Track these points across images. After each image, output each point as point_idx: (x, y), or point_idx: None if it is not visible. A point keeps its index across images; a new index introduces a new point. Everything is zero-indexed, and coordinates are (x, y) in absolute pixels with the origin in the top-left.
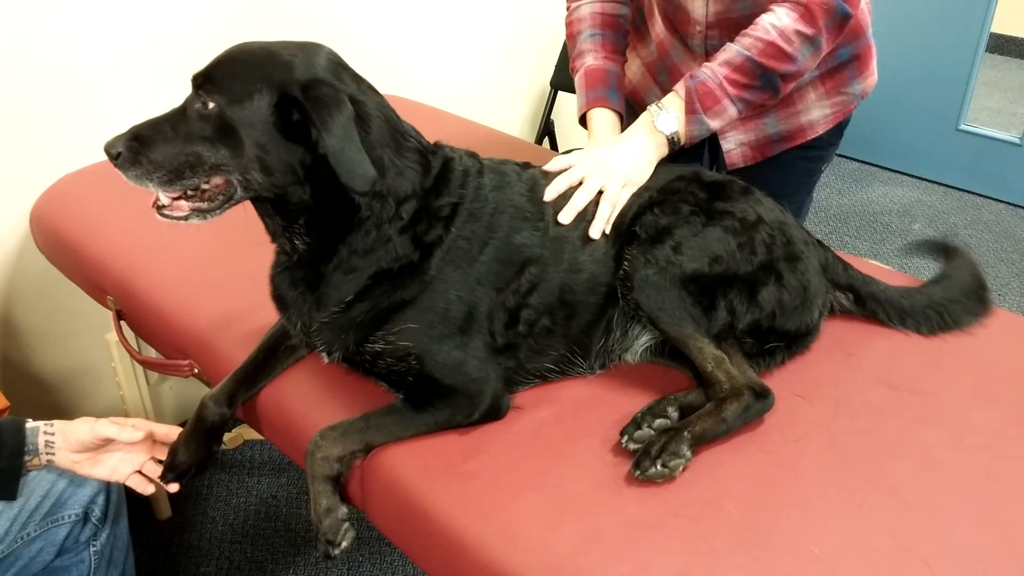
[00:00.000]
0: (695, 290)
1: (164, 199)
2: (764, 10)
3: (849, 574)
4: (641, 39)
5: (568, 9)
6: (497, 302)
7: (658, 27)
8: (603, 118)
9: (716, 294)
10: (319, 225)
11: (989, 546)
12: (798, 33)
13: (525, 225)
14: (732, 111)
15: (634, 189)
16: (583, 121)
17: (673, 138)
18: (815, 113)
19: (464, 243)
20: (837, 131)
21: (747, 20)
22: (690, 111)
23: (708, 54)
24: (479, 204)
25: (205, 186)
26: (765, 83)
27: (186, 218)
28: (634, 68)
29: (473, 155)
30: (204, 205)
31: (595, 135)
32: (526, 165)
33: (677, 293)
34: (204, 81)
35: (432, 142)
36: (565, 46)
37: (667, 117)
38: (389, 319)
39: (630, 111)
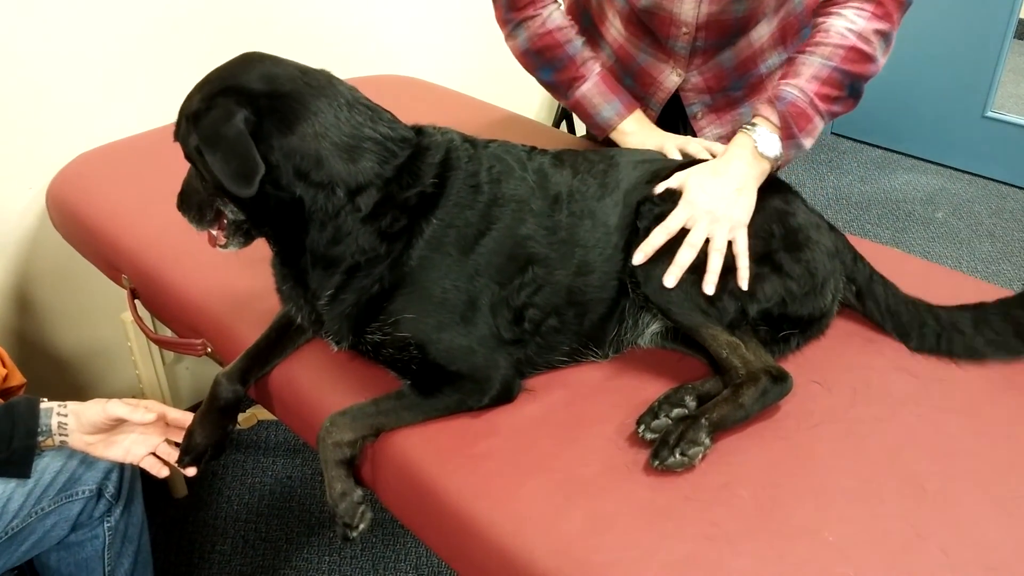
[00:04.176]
0: (697, 280)
1: (214, 233)
2: (759, 12)
3: (864, 561)
4: (594, 44)
5: (528, 21)
6: (500, 298)
7: (614, 31)
8: (643, 116)
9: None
10: (277, 227)
11: (1007, 537)
12: (876, 32)
13: (530, 218)
14: (820, 126)
15: (741, 233)
16: (602, 130)
17: (777, 161)
18: None
19: (453, 232)
20: None
21: (740, 22)
22: (787, 136)
23: (693, 56)
24: (469, 193)
25: (229, 216)
26: (851, 91)
27: (226, 246)
28: None
29: (469, 140)
30: (227, 233)
31: (650, 128)
32: (532, 150)
33: (683, 285)
34: (175, 131)
35: (414, 126)
36: None
37: (769, 140)
38: (382, 310)
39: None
